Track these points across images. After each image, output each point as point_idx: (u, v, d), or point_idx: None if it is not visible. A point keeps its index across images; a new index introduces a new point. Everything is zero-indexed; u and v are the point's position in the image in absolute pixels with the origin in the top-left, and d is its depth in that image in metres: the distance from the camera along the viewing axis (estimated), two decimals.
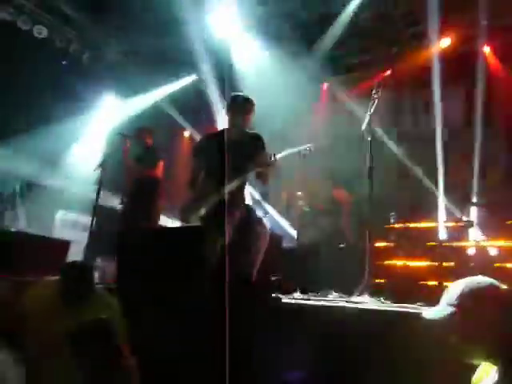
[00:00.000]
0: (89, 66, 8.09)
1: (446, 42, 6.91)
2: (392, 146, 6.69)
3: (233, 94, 3.54)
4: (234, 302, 2.15)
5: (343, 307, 2.47)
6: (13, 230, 5.29)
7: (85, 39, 8.00)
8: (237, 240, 2.93)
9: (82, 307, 2.50)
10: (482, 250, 5.14)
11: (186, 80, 9.00)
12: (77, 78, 7.72)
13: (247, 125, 3.38)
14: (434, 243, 5.46)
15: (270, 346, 2.35)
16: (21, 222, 5.93)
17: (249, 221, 3.01)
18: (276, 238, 3.50)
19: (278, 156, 3.21)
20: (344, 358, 2.17)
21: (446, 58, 6.66)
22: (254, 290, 2.78)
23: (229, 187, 3.04)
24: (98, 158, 5.24)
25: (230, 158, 3.08)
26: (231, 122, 3.37)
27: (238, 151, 3.16)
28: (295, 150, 3.29)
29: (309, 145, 3.34)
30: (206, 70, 8.31)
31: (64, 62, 7.87)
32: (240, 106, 3.34)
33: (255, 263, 2.93)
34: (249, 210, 3.13)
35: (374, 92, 3.67)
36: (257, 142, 3.33)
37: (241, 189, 3.15)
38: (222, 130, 3.45)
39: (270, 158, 3.14)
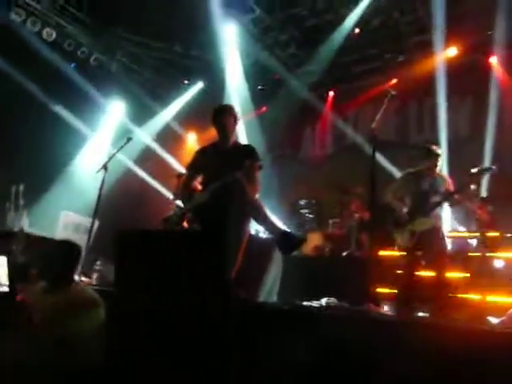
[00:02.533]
0: (95, 71, 8.13)
1: (452, 51, 6.90)
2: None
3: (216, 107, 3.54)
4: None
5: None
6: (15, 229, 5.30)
7: (93, 44, 8.05)
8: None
9: (59, 294, 2.51)
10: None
11: (194, 89, 9.05)
12: (84, 82, 7.80)
13: (233, 131, 3.40)
14: None
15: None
16: (23, 222, 5.94)
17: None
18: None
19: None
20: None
21: (453, 67, 6.65)
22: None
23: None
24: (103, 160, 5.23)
25: (225, 168, 3.11)
26: (220, 133, 3.38)
27: (232, 162, 3.17)
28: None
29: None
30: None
31: (72, 65, 7.94)
32: (222, 116, 3.36)
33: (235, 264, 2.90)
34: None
35: (387, 98, 3.74)
36: (250, 153, 3.30)
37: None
38: (215, 143, 3.47)
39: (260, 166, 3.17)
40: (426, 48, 7.00)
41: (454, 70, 6.60)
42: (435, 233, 4.25)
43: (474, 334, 1.89)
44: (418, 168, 4.51)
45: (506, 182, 5.82)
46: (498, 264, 4.92)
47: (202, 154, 3.50)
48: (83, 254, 4.57)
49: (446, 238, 4.50)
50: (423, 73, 6.92)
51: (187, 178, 3.51)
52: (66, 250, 2.67)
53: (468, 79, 6.60)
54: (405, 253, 4.40)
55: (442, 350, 1.81)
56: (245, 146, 3.52)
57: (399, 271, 5.04)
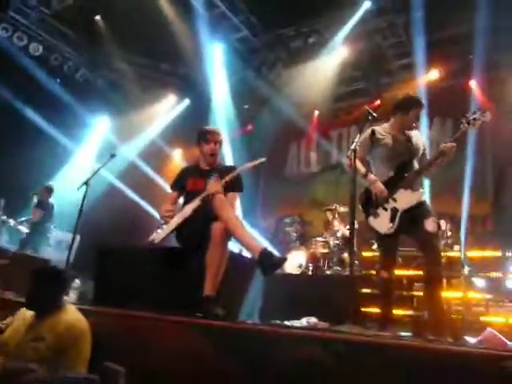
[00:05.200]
0: (81, 86, 8.14)
1: (434, 75, 7.10)
2: None
3: (204, 127, 3.59)
4: None
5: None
6: None
7: (80, 59, 8.08)
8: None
9: (45, 320, 2.44)
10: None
11: (180, 106, 9.12)
12: (70, 97, 7.80)
13: (217, 154, 3.43)
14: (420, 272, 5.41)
15: None
16: (3, 238, 5.83)
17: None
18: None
19: (237, 171, 3.21)
20: None
21: (434, 90, 6.81)
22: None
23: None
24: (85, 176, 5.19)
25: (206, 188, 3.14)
26: (203, 155, 3.41)
27: (210, 176, 3.26)
28: (251, 164, 3.21)
29: (262, 159, 3.17)
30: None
31: (58, 80, 7.93)
32: (206, 139, 3.39)
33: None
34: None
35: (367, 120, 3.29)
36: (228, 171, 3.34)
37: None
38: (198, 163, 3.49)
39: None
40: (409, 71, 7.19)
41: (436, 93, 6.74)
42: (425, 212, 3.16)
43: (452, 355, 1.88)
44: (390, 122, 3.46)
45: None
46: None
47: (185, 172, 3.51)
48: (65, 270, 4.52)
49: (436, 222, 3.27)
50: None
51: (171, 196, 3.50)
52: (55, 276, 2.60)
53: (449, 102, 6.76)
54: (383, 244, 3.33)
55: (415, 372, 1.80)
56: (227, 167, 3.52)
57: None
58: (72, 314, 2.52)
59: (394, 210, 3.16)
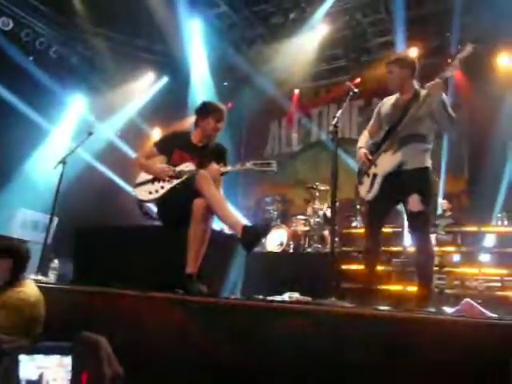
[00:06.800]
0: (56, 63, 7.87)
1: (413, 53, 7.07)
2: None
3: (206, 101, 3.49)
4: None
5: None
6: None
7: (52, 34, 7.79)
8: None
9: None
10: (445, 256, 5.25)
11: (158, 84, 8.92)
12: (43, 74, 7.54)
13: (214, 132, 3.35)
14: (399, 248, 5.52)
15: None
16: None
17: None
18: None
19: (242, 168, 3.16)
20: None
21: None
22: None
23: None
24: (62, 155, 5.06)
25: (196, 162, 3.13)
26: (209, 128, 3.31)
27: (201, 155, 3.21)
28: (259, 168, 3.06)
29: (274, 167, 3.04)
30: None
31: (31, 58, 7.64)
32: (221, 117, 3.32)
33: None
34: None
35: (349, 96, 3.31)
36: (220, 152, 3.30)
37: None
38: (190, 135, 3.40)
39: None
40: (389, 49, 7.18)
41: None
42: (411, 186, 2.88)
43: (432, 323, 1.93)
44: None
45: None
46: None
47: (174, 140, 3.40)
48: (41, 251, 4.45)
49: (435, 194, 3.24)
50: (386, 73, 7.05)
51: (152, 153, 3.37)
52: (13, 252, 2.61)
53: (428, 80, 6.77)
54: (367, 210, 3.27)
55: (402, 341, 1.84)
56: (218, 145, 3.42)
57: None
58: (23, 290, 2.54)
59: (374, 176, 3.03)
